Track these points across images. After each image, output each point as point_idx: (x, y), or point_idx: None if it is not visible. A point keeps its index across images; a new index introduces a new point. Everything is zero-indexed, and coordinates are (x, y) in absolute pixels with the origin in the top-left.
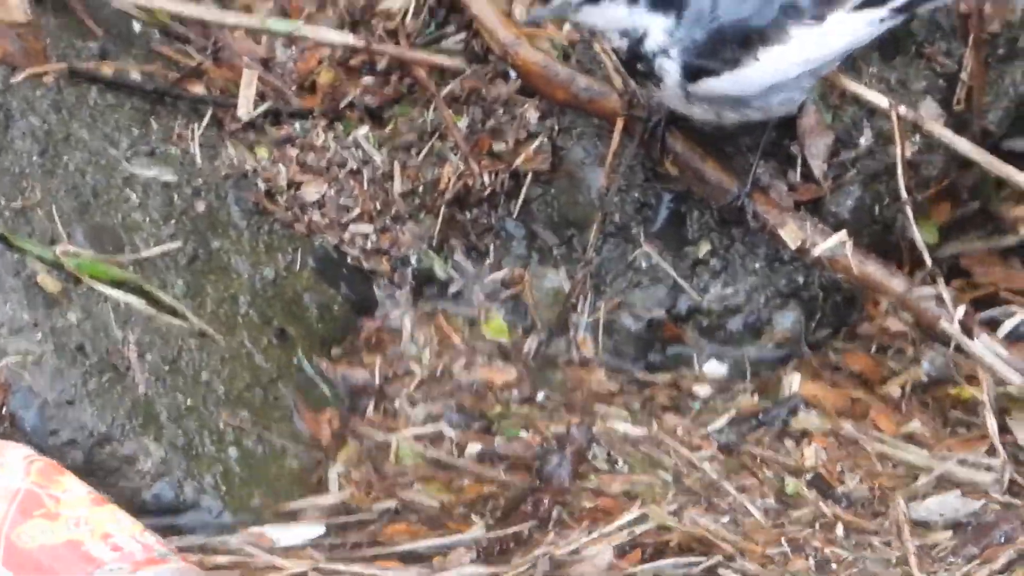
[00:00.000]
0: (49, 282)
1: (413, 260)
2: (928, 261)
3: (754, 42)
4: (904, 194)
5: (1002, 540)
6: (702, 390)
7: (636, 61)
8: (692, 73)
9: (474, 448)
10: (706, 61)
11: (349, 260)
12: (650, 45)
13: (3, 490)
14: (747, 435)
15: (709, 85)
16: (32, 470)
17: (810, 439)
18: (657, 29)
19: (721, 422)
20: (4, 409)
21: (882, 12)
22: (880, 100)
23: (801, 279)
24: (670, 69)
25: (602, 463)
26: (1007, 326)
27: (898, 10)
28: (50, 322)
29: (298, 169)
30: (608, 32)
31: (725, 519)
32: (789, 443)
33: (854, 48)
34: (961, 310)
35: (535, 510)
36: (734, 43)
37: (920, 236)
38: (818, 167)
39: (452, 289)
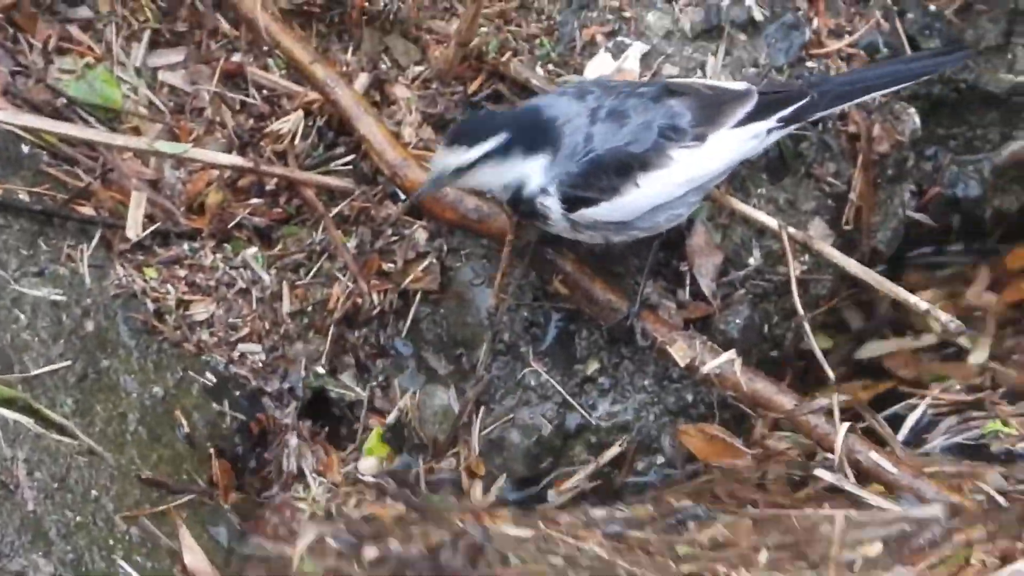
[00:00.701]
0: None
1: (300, 379)
2: (830, 374)
3: (633, 169)
4: (800, 310)
5: None
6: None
7: (519, 204)
8: (570, 204)
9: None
10: (583, 192)
11: (239, 379)
12: (530, 188)
13: None
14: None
15: (589, 213)
16: None
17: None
18: (535, 172)
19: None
20: None
21: (769, 123)
22: (769, 221)
23: (690, 397)
24: (551, 205)
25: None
26: (909, 422)
27: (785, 120)
28: None
29: (187, 289)
30: (491, 188)
31: None
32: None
33: (742, 160)
34: (844, 430)
35: None
36: (611, 172)
37: (818, 348)
38: (707, 286)
39: (339, 407)
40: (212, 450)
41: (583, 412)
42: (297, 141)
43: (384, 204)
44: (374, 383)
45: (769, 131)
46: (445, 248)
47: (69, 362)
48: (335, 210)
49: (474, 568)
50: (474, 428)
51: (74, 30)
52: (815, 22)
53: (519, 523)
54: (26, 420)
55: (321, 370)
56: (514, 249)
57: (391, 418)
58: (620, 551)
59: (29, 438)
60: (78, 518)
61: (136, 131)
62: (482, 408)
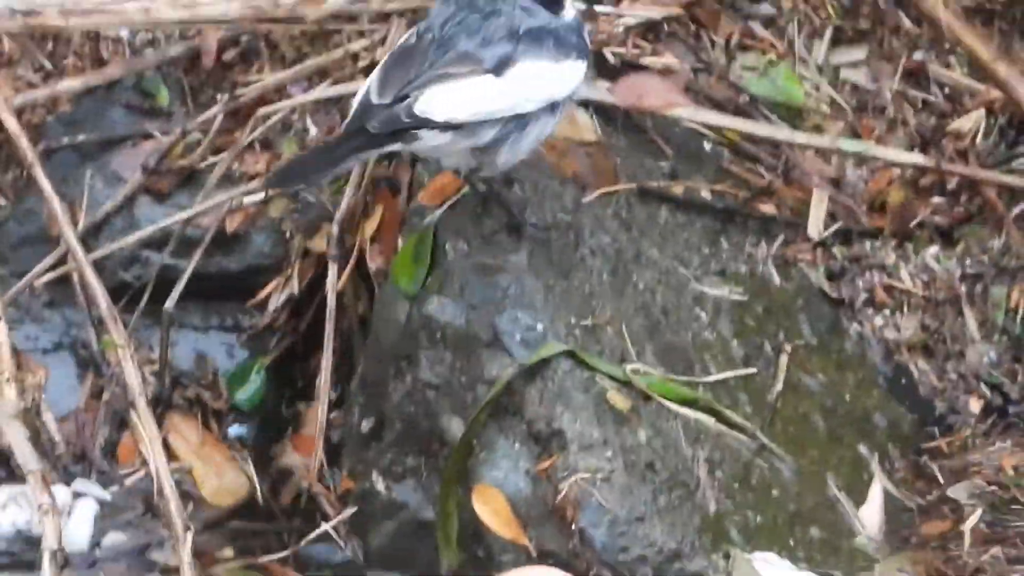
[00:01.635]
0: (619, 400)
1: None
2: None
3: None
4: None
5: None
6: None
7: None
8: None
9: None
10: None
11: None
12: None
13: None
14: None
15: None
16: None
17: None
18: None
19: None
20: (574, 525)
21: None
22: None
23: None
24: None
25: None
26: None
27: None
28: (620, 439)
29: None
30: None
31: None
32: None
33: None
34: None
35: None
36: None
37: None
38: None
39: None
40: None
41: None
42: (979, 139)
43: None
44: None
45: None
46: None
47: (754, 369)
48: (1016, 210)
49: None
50: None
51: (756, 27)
52: None
53: None
54: (706, 419)
55: None
56: None
57: None
58: None
59: (710, 437)
60: (759, 519)
61: (818, 129)
62: None
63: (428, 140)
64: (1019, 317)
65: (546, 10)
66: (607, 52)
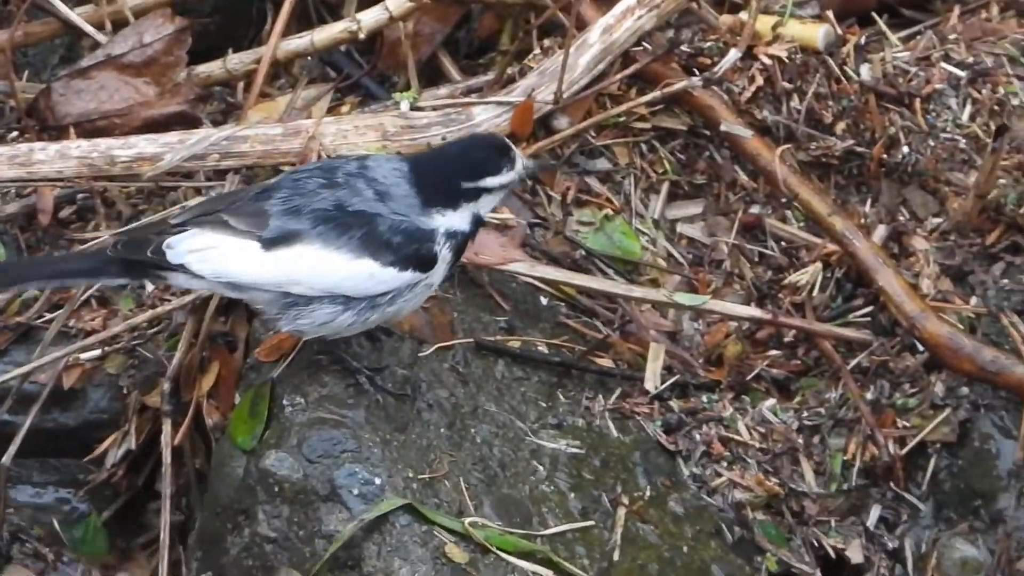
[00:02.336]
0: (457, 553)
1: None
2: None
3: None
4: None
5: None
6: None
7: None
8: None
9: None
10: None
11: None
12: None
13: None
14: None
15: None
16: None
17: None
18: None
19: None
20: None
21: None
22: None
23: None
24: None
25: None
26: None
27: None
28: None
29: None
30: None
31: None
32: None
33: None
34: None
35: None
36: None
37: None
38: None
39: None
40: None
41: None
42: (815, 292)
43: (902, 356)
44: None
45: None
46: (963, 400)
47: (592, 522)
48: (853, 362)
49: None
50: None
51: (593, 182)
52: None
53: None
54: (545, 572)
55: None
56: None
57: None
58: None
59: None
60: None
61: (654, 283)
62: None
63: (172, 280)
64: (855, 469)
65: (422, 204)
66: None
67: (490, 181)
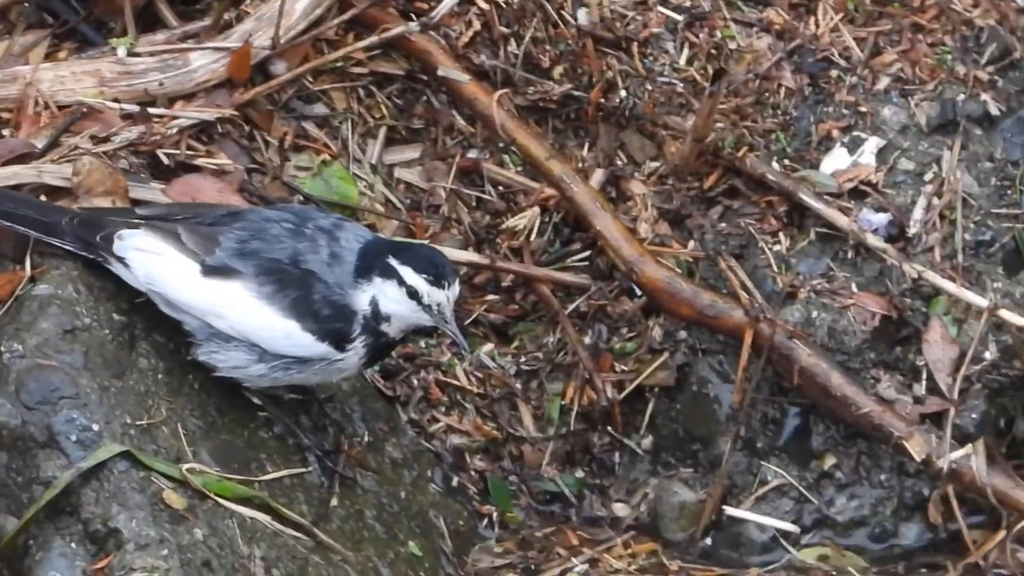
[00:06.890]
0: (175, 499)
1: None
2: None
3: None
4: None
5: None
6: None
7: None
8: None
9: None
10: None
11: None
12: None
13: None
14: None
15: None
16: None
17: None
18: None
19: None
20: None
21: None
22: (978, 300)
23: (926, 491)
24: None
25: None
26: None
27: None
28: (176, 538)
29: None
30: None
31: None
32: None
33: None
34: None
35: None
36: None
37: None
38: (943, 380)
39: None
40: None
41: (821, 507)
42: (533, 237)
43: (620, 300)
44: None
45: None
46: (681, 344)
47: (310, 468)
48: (571, 307)
49: None
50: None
51: (310, 127)
52: None
53: None
54: (263, 517)
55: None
56: (752, 343)
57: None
58: None
59: (266, 536)
60: None
61: (373, 228)
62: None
63: (114, 267)
64: (574, 413)
65: (355, 274)
66: (160, 153)
67: (410, 277)
